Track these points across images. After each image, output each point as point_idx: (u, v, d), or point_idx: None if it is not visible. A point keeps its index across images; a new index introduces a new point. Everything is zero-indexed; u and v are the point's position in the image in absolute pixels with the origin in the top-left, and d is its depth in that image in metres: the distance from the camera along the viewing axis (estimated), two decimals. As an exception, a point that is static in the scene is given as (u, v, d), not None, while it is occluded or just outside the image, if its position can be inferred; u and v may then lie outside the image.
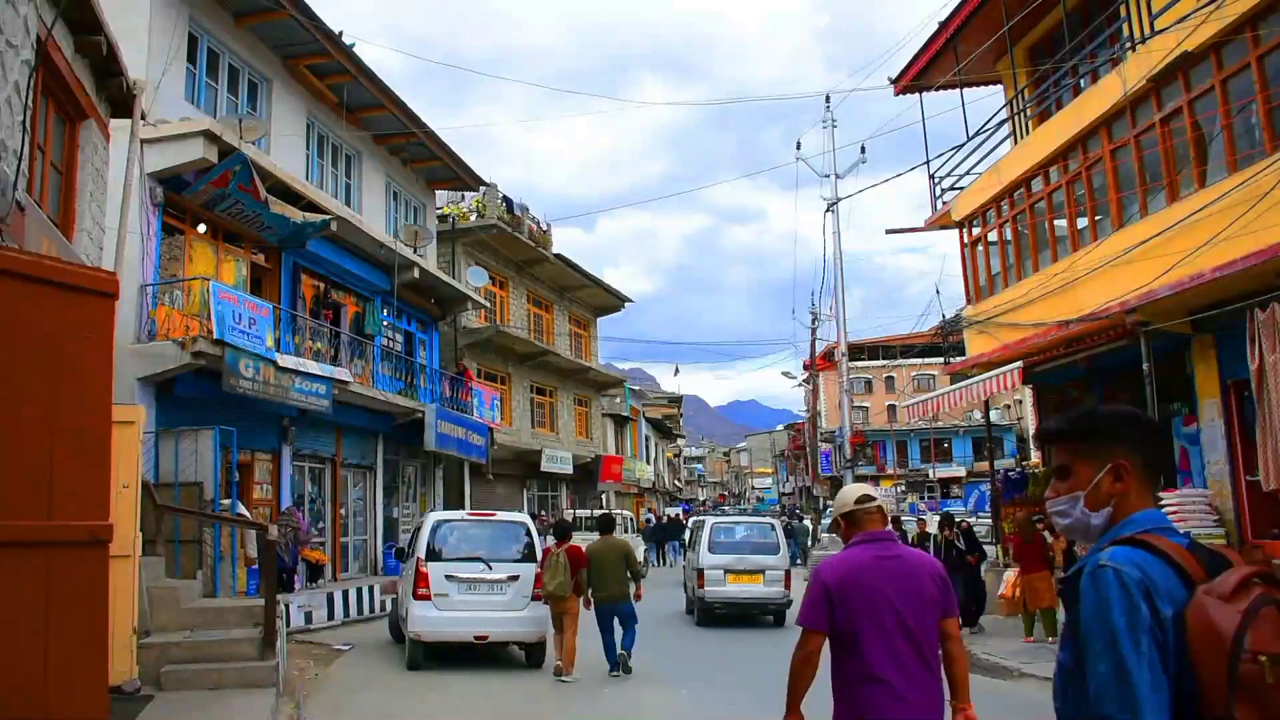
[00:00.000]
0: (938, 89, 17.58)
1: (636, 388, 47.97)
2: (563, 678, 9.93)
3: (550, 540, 11.56)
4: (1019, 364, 14.11)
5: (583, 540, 11.46)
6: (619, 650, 10.28)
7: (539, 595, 10.48)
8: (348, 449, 17.97)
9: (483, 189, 25.60)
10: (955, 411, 26.97)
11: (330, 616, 14.37)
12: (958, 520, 15.51)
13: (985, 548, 15.00)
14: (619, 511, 27.71)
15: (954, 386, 16.26)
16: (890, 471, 57.67)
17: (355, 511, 18.69)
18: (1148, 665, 1.67)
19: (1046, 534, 12.61)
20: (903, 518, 22.48)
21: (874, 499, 3.67)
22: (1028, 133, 15.65)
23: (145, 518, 8.88)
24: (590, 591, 10.29)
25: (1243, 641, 1.61)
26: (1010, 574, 13.11)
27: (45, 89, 7.36)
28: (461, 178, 23.75)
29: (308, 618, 13.66)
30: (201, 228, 14.25)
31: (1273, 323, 9.96)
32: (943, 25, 16.14)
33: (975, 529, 15.98)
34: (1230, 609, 1.64)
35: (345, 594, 15.02)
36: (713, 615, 14.94)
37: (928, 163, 17.33)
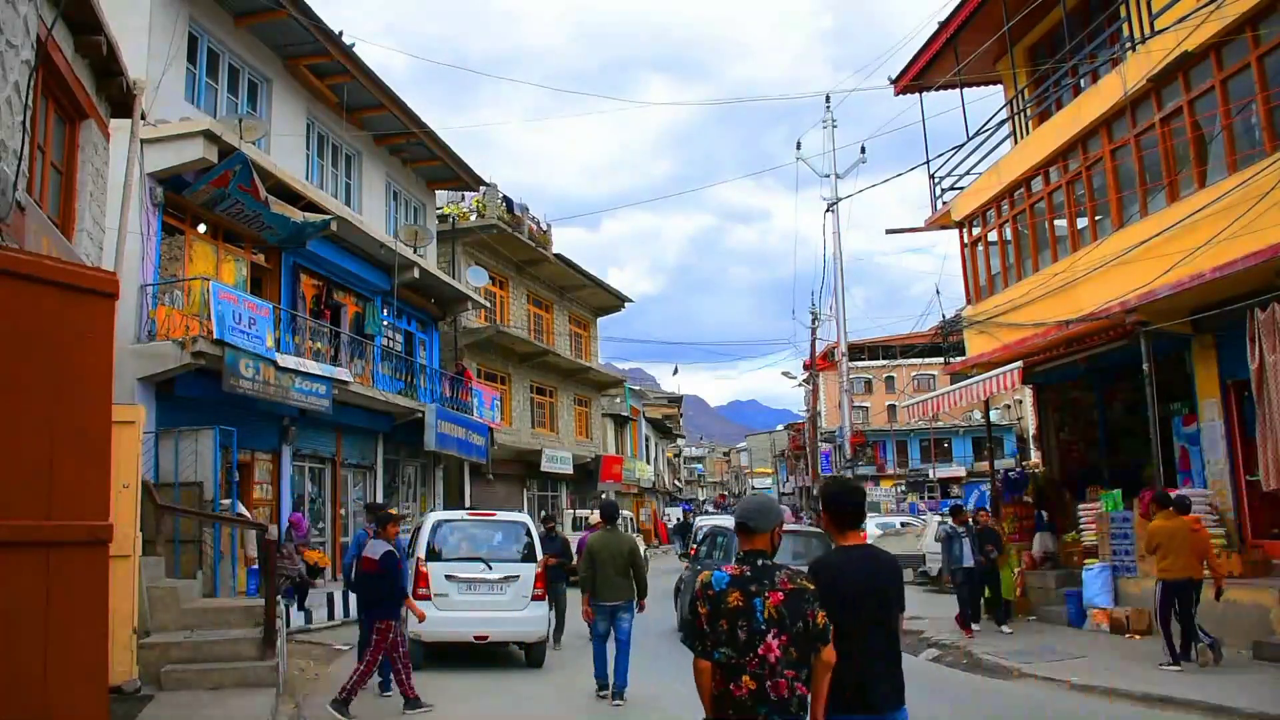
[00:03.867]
0: (938, 89, 17.57)
1: (636, 388, 47.94)
2: None
3: None
4: (1019, 364, 14.09)
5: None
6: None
7: (539, 595, 10.80)
8: (348, 449, 17.97)
9: (483, 189, 25.59)
10: (955, 411, 27.00)
11: (330, 616, 14.37)
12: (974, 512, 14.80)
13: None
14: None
15: (954, 386, 16.25)
16: (890, 471, 57.63)
17: (355, 511, 18.69)
18: None
19: None
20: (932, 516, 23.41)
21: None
22: (1028, 133, 15.63)
23: (145, 518, 8.88)
24: None
25: None
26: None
27: (45, 89, 7.36)
28: (461, 178, 23.74)
29: (308, 618, 13.66)
30: (201, 228, 14.25)
31: (1273, 323, 9.97)
32: (943, 25, 16.12)
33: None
34: None
35: (345, 594, 14.99)
36: None
37: (928, 163, 17.34)
